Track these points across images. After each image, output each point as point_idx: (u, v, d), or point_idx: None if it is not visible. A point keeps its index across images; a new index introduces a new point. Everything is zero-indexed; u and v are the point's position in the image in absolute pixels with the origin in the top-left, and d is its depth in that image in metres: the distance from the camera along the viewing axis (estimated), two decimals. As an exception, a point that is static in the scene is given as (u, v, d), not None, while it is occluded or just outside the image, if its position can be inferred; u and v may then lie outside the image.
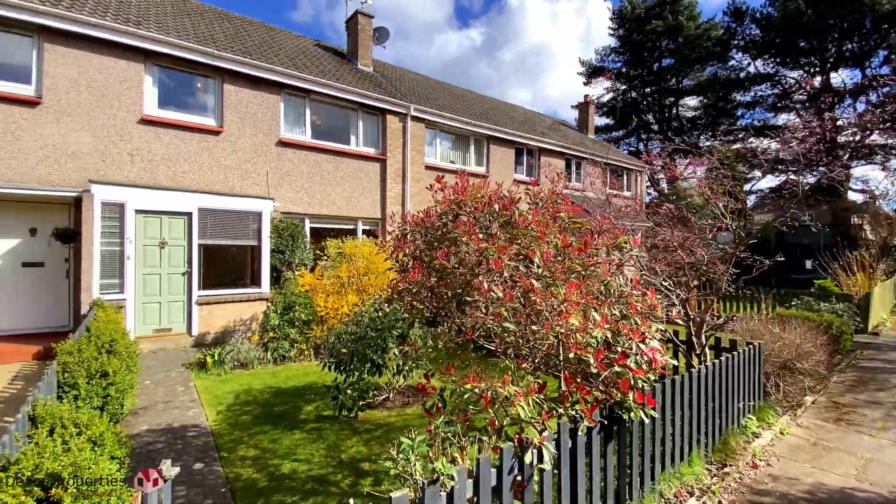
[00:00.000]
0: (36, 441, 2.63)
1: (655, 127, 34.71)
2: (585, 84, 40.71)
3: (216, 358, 6.73)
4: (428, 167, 12.73)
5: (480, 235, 2.78)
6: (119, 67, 8.19)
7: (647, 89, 34.03)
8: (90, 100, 7.92)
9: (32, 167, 7.42)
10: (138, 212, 7.62)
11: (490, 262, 2.47)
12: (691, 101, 33.51)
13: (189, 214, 8.11)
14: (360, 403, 4.78)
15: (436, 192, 3.57)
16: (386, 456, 2.45)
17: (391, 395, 5.32)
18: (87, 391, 3.84)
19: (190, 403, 5.29)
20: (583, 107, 23.82)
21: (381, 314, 5.01)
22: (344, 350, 4.75)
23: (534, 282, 2.34)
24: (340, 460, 3.92)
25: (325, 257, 9.19)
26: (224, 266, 8.64)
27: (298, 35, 14.03)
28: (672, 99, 33.38)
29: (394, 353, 4.74)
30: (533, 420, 2.36)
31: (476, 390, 2.53)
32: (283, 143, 10.09)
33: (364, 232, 11.52)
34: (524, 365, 2.78)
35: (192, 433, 4.49)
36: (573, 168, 17.81)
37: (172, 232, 7.98)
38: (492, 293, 2.42)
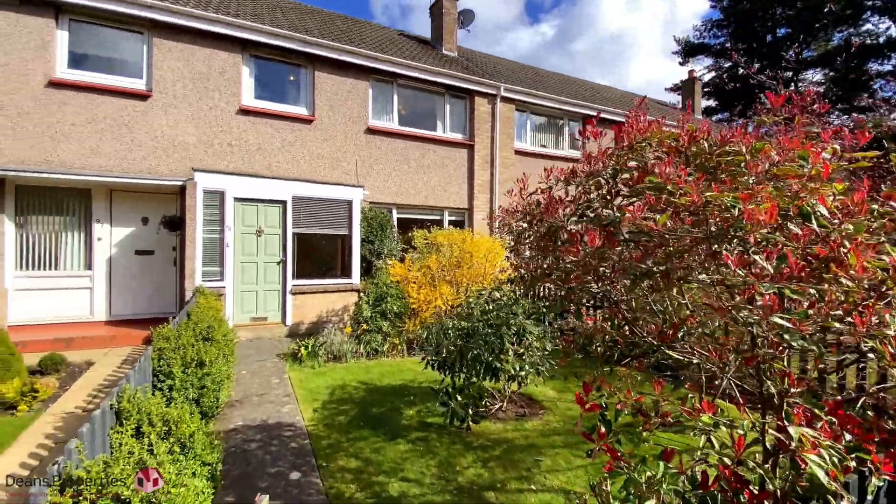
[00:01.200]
0: (119, 442, 2.15)
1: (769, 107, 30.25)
2: (682, 64, 37.03)
3: (310, 349, 6.40)
4: (518, 152, 11.76)
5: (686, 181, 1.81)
6: (220, 58, 8.30)
7: (759, 65, 29.78)
8: (194, 92, 8.09)
9: (144, 157, 7.70)
10: (237, 200, 7.60)
11: (735, 216, 1.52)
12: (815, 76, 28.76)
13: (284, 203, 7.97)
14: (472, 412, 3.99)
15: (586, 139, 2.63)
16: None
17: (504, 403, 4.48)
18: (182, 381, 3.48)
19: (285, 398, 4.90)
20: (687, 85, 21.26)
21: (495, 306, 4.19)
22: (452, 347, 4.01)
23: (845, 242, 1.35)
24: (458, 485, 3.15)
25: (413, 248, 8.65)
26: (316, 256, 8.44)
27: (383, 26, 13.80)
28: (790, 74, 28.87)
29: (510, 355, 3.89)
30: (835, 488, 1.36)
31: (703, 421, 1.59)
32: (371, 131, 9.74)
33: (450, 223, 10.86)
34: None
35: (288, 432, 4.02)
36: (680, 151, 15.68)
37: (268, 220, 7.89)
38: (761, 264, 1.44)
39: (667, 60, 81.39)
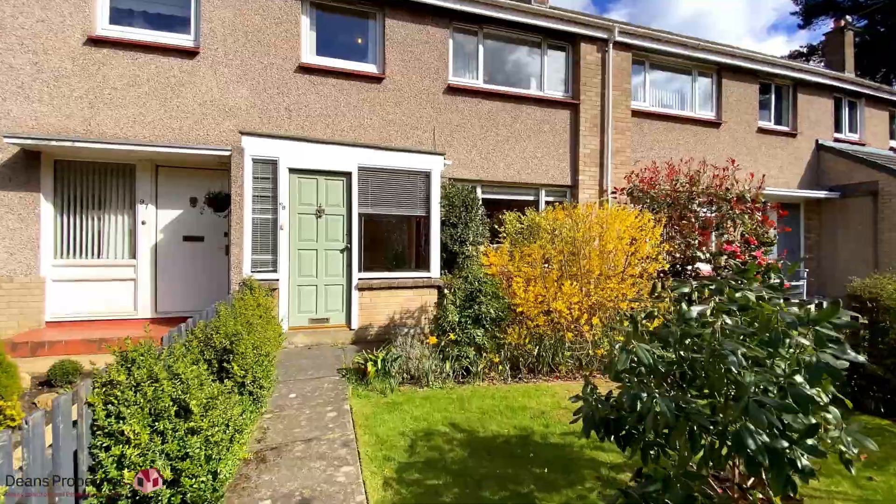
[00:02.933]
0: None
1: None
2: (802, 27, 31.33)
3: (380, 366, 4.68)
4: (636, 113, 9.25)
5: None
6: (275, 6, 6.90)
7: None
8: (247, 47, 6.76)
9: (191, 127, 6.50)
10: (292, 171, 6.12)
11: None
12: None
13: (348, 175, 6.37)
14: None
15: None
16: None
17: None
18: (144, 449, 1.80)
19: (342, 450, 3.16)
20: (833, 38, 16.98)
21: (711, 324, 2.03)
22: (661, 408, 1.92)
23: None
24: None
25: (503, 235, 6.65)
26: (385, 244, 6.77)
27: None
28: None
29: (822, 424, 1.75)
30: None
31: None
32: (451, 90, 7.89)
33: (548, 204, 8.68)
34: None
35: (341, 535, 2.22)
36: (845, 112, 12.06)
37: (330, 197, 6.33)
38: None
39: (752, 40, 71.16)
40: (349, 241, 6.38)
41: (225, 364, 3.04)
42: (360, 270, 6.40)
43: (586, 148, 8.75)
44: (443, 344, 5.09)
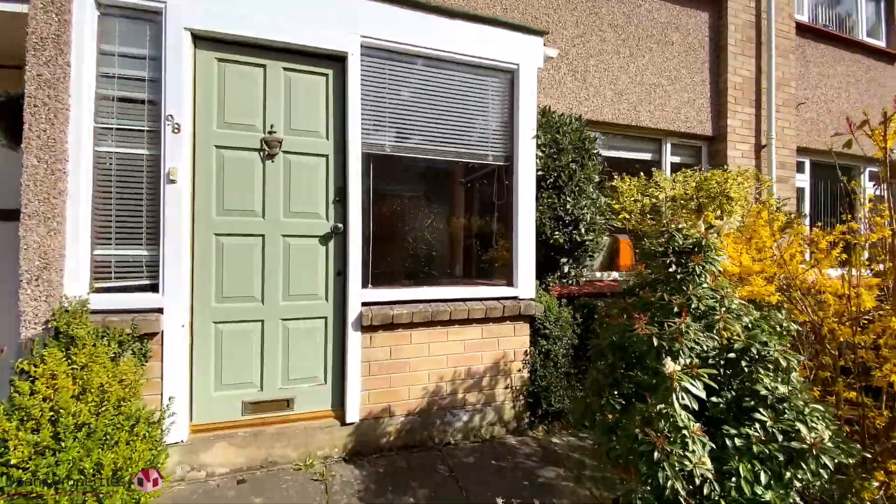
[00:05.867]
0: None
1: None
2: None
3: None
4: (802, 28, 5.83)
5: None
6: None
7: None
8: None
9: None
10: (202, 41, 2.50)
11: None
12: None
13: (339, 62, 2.77)
14: None
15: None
16: None
17: None
18: None
19: None
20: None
21: None
22: None
23: None
24: None
25: (611, 211, 3.18)
26: (416, 228, 3.19)
27: None
28: None
29: None
30: None
31: None
32: (526, -46, 4.33)
33: (674, 167, 5.18)
34: None
35: None
36: None
37: (295, 113, 2.71)
38: None
39: None
40: (341, 215, 2.77)
41: None
42: (365, 285, 2.79)
43: (737, 75, 5.27)
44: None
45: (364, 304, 2.73)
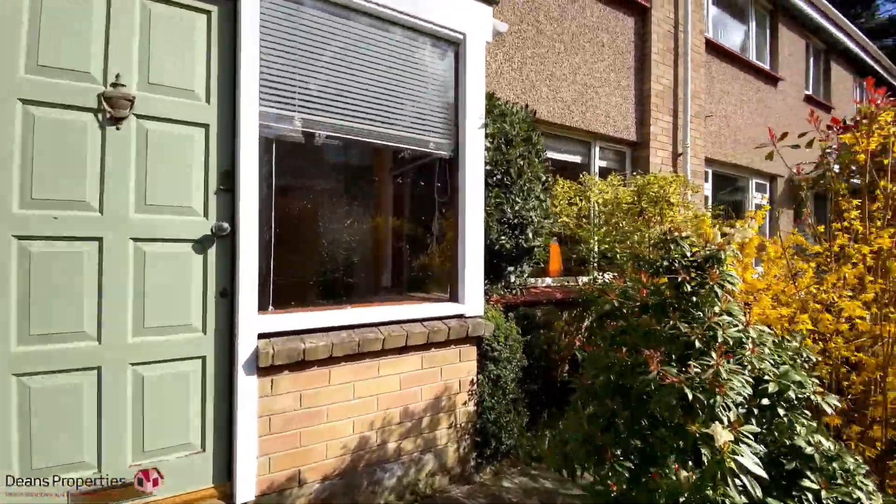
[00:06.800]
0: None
1: None
2: None
3: None
4: (711, 46, 6.17)
5: None
6: None
7: None
8: None
9: None
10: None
11: None
12: None
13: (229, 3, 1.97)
14: None
15: None
16: None
17: None
18: None
19: None
20: None
21: None
22: None
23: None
24: None
25: (554, 214, 2.94)
26: (337, 231, 2.50)
27: None
28: None
29: None
30: None
31: None
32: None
33: (602, 171, 5.10)
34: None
35: None
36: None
37: (157, 59, 1.86)
38: None
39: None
40: (227, 211, 1.97)
41: None
42: (265, 308, 2.03)
43: (658, 83, 5.36)
44: None
45: (263, 335, 1.97)
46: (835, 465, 1.26)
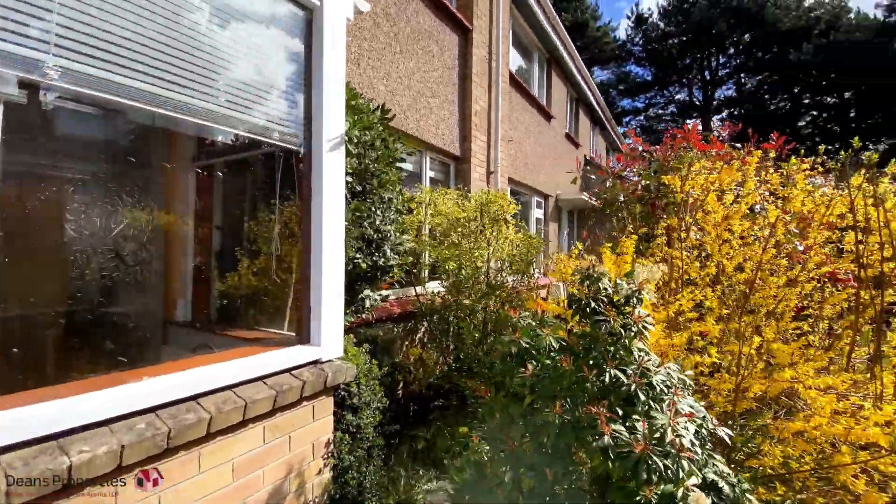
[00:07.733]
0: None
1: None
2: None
3: None
4: (512, 79, 6.93)
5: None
6: None
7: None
8: None
9: None
10: None
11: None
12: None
13: None
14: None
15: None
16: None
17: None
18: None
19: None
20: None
21: None
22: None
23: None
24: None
25: (410, 229, 2.95)
26: (138, 257, 1.60)
27: None
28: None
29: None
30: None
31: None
32: None
33: (432, 182, 5.13)
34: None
35: None
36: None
37: None
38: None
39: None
40: None
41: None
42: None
43: (477, 104, 5.69)
44: None
45: (-41, 463, 1.02)
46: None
